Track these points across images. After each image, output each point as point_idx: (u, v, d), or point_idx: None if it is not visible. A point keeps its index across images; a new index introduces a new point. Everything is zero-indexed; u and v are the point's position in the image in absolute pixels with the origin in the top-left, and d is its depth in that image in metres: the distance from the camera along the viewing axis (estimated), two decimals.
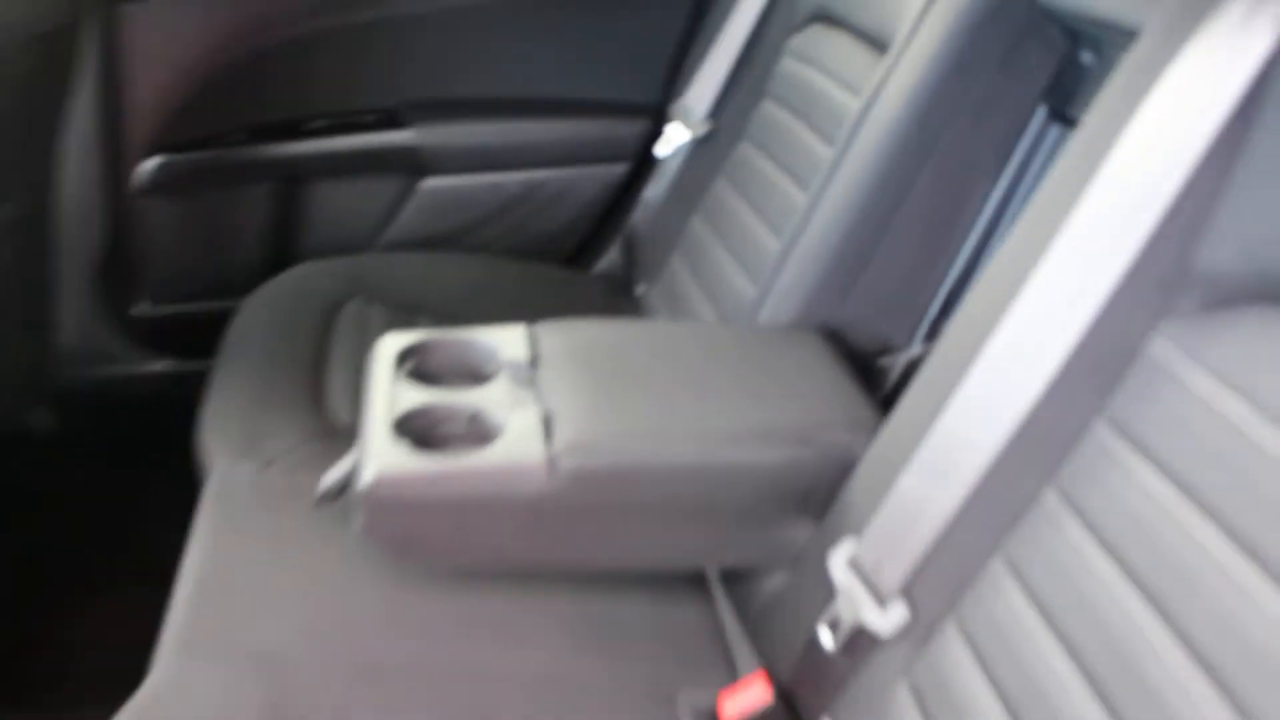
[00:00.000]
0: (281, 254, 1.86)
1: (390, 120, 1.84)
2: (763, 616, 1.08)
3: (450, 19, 1.80)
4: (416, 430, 1.04)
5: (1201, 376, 0.73)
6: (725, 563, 1.11)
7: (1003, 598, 0.83)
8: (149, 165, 1.74)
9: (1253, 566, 0.64)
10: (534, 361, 1.12)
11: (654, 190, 1.78)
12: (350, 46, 1.77)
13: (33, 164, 1.56)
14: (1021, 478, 0.84)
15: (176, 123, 1.72)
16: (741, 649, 1.10)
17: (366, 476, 0.98)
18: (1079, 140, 0.86)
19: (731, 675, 1.08)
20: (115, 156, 1.72)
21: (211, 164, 1.79)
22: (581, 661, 1.06)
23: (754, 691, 1.03)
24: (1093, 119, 0.85)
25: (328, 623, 1.05)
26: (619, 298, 1.78)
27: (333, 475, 1.09)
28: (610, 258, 1.92)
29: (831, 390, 1.08)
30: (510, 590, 1.11)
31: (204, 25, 1.67)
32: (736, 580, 1.13)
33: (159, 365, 1.88)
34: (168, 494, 1.34)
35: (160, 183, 1.75)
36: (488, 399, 1.07)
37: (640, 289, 1.74)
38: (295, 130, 1.82)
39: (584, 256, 1.95)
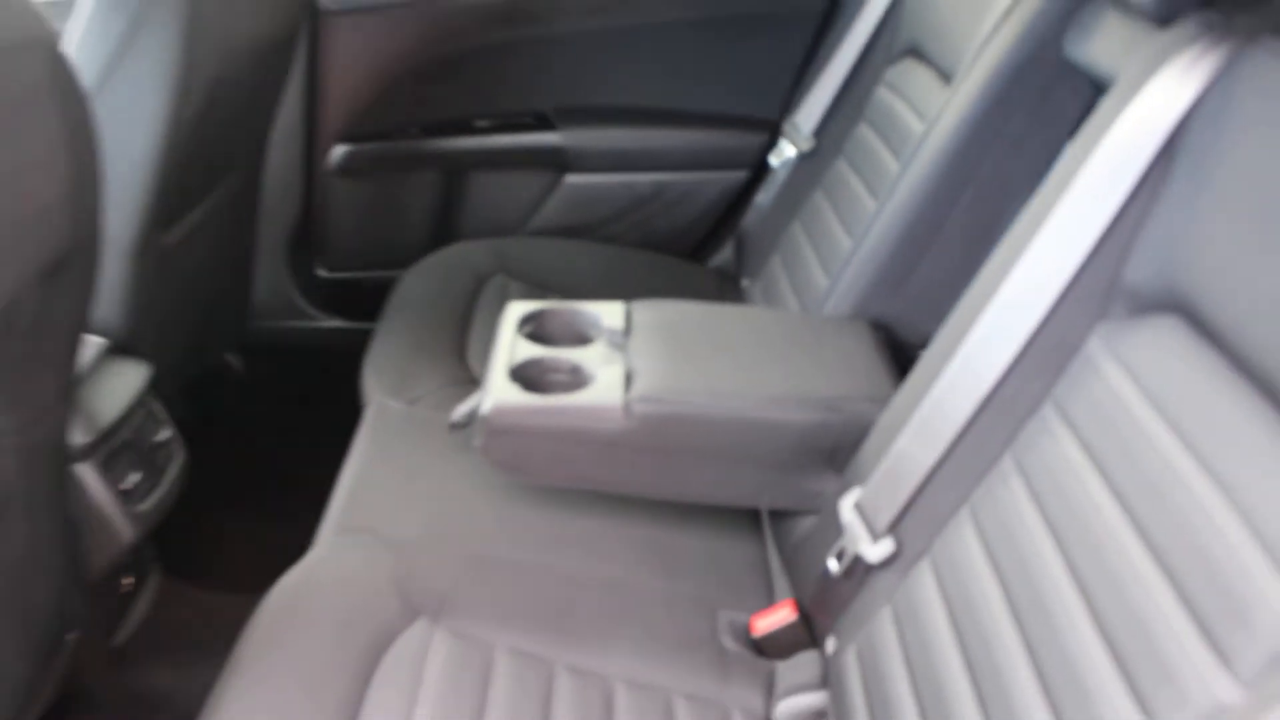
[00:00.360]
0: (441, 233, 2.16)
1: (541, 123, 2.13)
2: (795, 552, 1.31)
3: (598, 38, 2.07)
4: (528, 376, 1.32)
5: (1116, 370, 0.93)
6: (765, 504, 1.35)
7: (963, 541, 1.04)
8: (337, 152, 2.07)
9: (1130, 529, 0.83)
10: (627, 330, 1.39)
11: (764, 196, 2.02)
12: (510, 59, 2.06)
13: (252, 148, 1.90)
14: (985, 444, 1.05)
15: (361, 118, 2.05)
16: (779, 580, 1.34)
17: (486, 407, 1.26)
18: (1054, 173, 1.06)
19: (768, 601, 1.31)
20: (311, 144, 2.05)
21: (388, 154, 2.11)
22: (644, 576, 1.32)
23: (781, 613, 1.26)
24: (1065, 156, 1.06)
25: (447, 522, 1.34)
26: (727, 289, 2.02)
27: (463, 409, 1.37)
28: (724, 254, 2.16)
29: (862, 369, 1.31)
30: (593, 513, 1.37)
31: (387, 39, 1.99)
32: (779, 520, 1.36)
33: (331, 323, 2.21)
34: (330, 425, 1.63)
35: (345, 168, 2.08)
36: (586, 356, 1.34)
37: (745, 283, 1.98)
38: (460, 128, 2.12)
39: (701, 252, 2.20)
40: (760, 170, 2.09)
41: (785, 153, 1.97)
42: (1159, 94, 0.96)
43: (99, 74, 1.31)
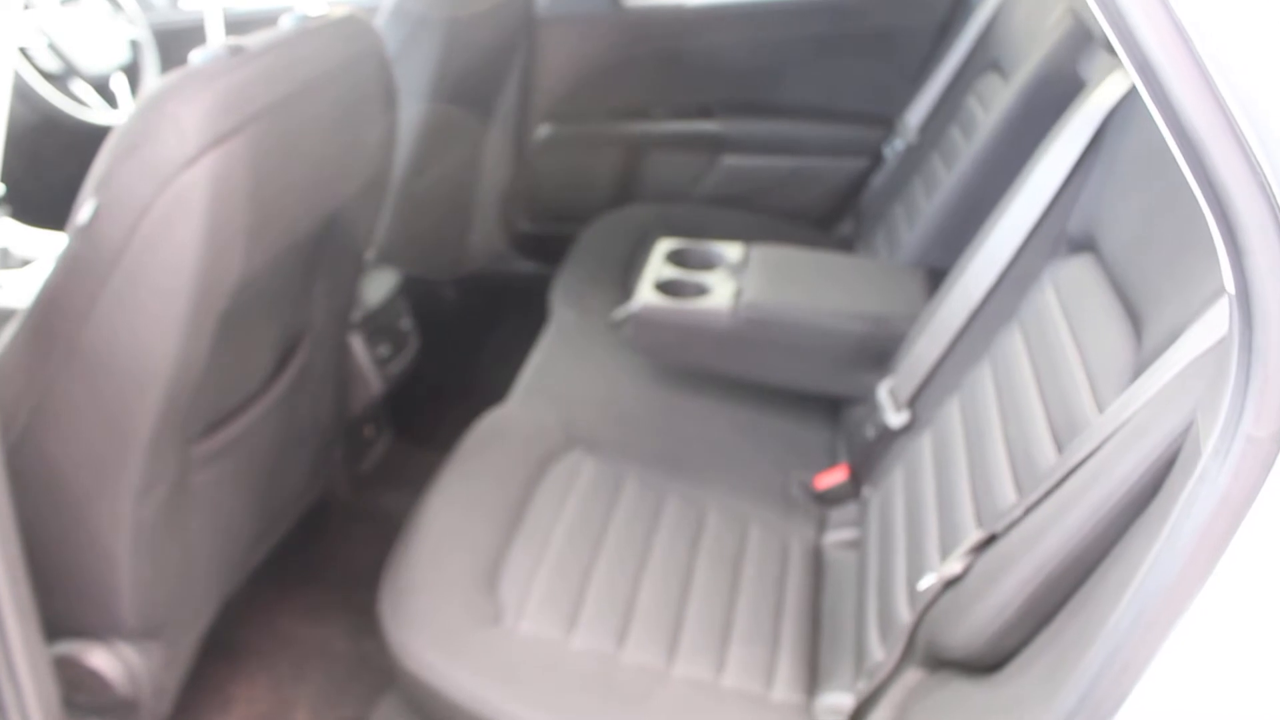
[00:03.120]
0: (619, 198, 2.69)
1: (704, 112, 2.64)
2: (850, 428, 1.79)
3: (754, 46, 2.56)
4: (668, 288, 1.84)
5: (1051, 292, 1.37)
6: (833, 392, 1.83)
7: (950, 414, 1.49)
8: (542, 131, 2.63)
9: (1035, 390, 1.27)
10: (743, 263, 1.89)
11: (878, 180, 2.47)
12: (682, 61, 2.58)
13: (478, 125, 2.48)
14: (973, 345, 1.50)
15: (563, 104, 2.60)
16: (840, 452, 1.81)
17: (635, 306, 1.79)
18: (1035, 154, 1.50)
19: (829, 464, 1.79)
20: (523, 123, 2.62)
21: (582, 133, 2.66)
22: (739, 440, 1.81)
23: (836, 474, 1.74)
24: (1044, 141, 1.49)
25: (602, 392, 1.87)
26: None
27: (621, 310, 1.90)
28: (845, 226, 2.62)
29: (905, 298, 1.78)
30: (706, 392, 1.88)
31: (586, 43, 2.54)
32: (842, 405, 1.84)
33: (529, 266, 2.76)
34: (520, 341, 2.13)
35: (547, 143, 2.64)
36: (711, 278, 1.86)
37: (858, 248, 2.44)
38: (639, 114, 2.65)
39: (827, 223, 2.66)
40: (877, 158, 2.53)
41: (896, 145, 2.42)
42: (1097, 98, 1.39)
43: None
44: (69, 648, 1.32)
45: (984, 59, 2.18)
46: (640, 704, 1.28)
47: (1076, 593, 0.97)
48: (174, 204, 1.11)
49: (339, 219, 1.53)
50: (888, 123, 2.52)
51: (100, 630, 1.33)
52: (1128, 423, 0.96)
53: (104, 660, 1.32)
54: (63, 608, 1.27)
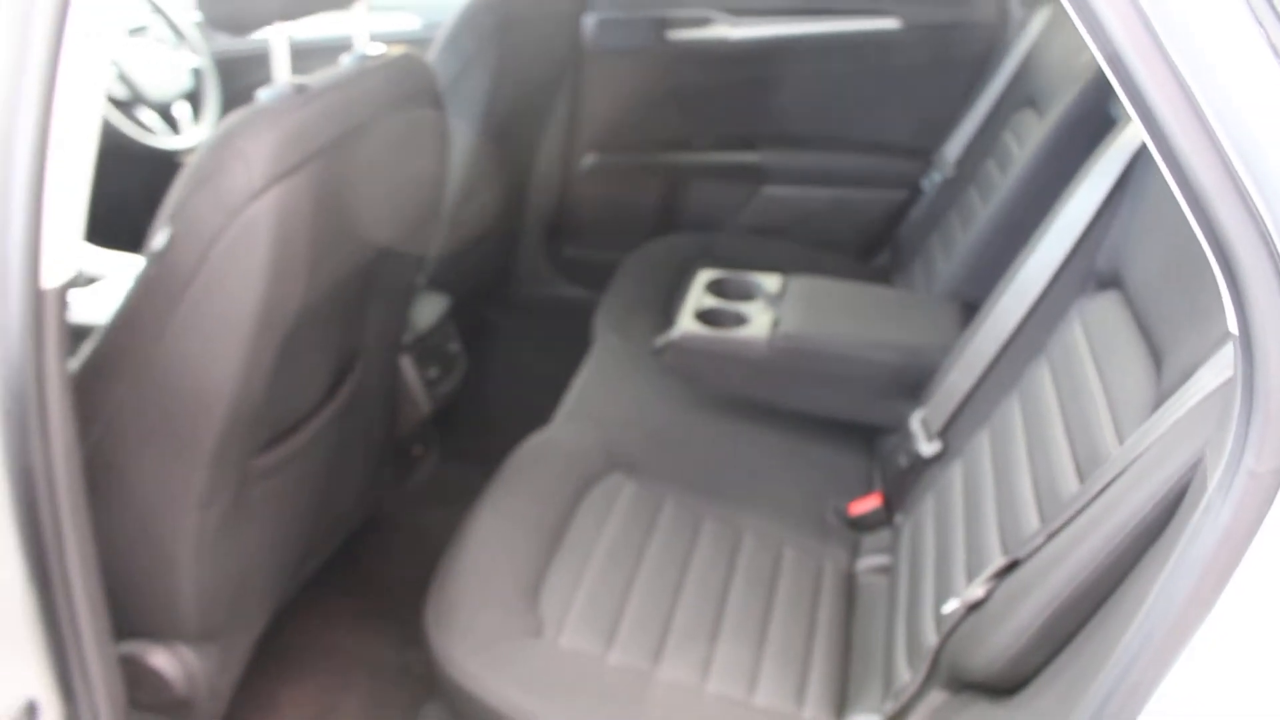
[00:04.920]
0: (661, 226, 2.75)
1: (745, 143, 2.70)
2: (884, 456, 1.83)
3: (795, 79, 2.62)
4: (708, 317, 1.90)
5: (1079, 329, 1.41)
6: (867, 421, 1.87)
7: (978, 444, 1.53)
8: (588, 160, 2.70)
9: (1061, 426, 1.32)
10: (781, 294, 1.94)
11: (916, 212, 2.52)
12: (724, 93, 2.64)
13: (525, 154, 2.55)
14: (1003, 378, 1.54)
15: (608, 133, 2.67)
16: (875, 480, 1.85)
17: (675, 334, 1.84)
18: (1065, 192, 1.54)
19: (864, 492, 1.83)
20: (568, 152, 2.69)
21: (625, 162, 2.73)
22: (774, 466, 1.86)
23: (871, 500, 1.78)
24: (1074, 180, 1.54)
25: (643, 416, 1.92)
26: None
27: (662, 338, 1.95)
28: (883, 257, 2.66)
29: (938, 329, 1.82)
30: (744, 418, 1.93)
31: (631, 75, 2.61)
32: (877, 434, 1.88)
33: (574, 291, 2.83)
34: (565, 364, 2.18)
35: (592, 171, 2.71)
36: (749, 308, 1.91)
37: (895, 280, 2.48)
38: (682, 145, 2.72)
39: (865, 253, 2.71)
40: (916, 191, 2.58)
41: (934, 178, 2.46)
42: (1125, 138, 1.44)
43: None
44: (133, 648, 1.39)
45: (1020, 95, 2.23)
46: (673, 717, 1.33)
47: (1092, 618, 1.01)
48: (242, 234, 1.19)
49: (393, 247, 1.60)
50: (926, 156, 2.56)
51: (162, 632, 1.40)
52: (1142, 456, 1.00)
53: (165, 660, 1.40)
54: (129, 610, 1.34)
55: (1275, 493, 0.81)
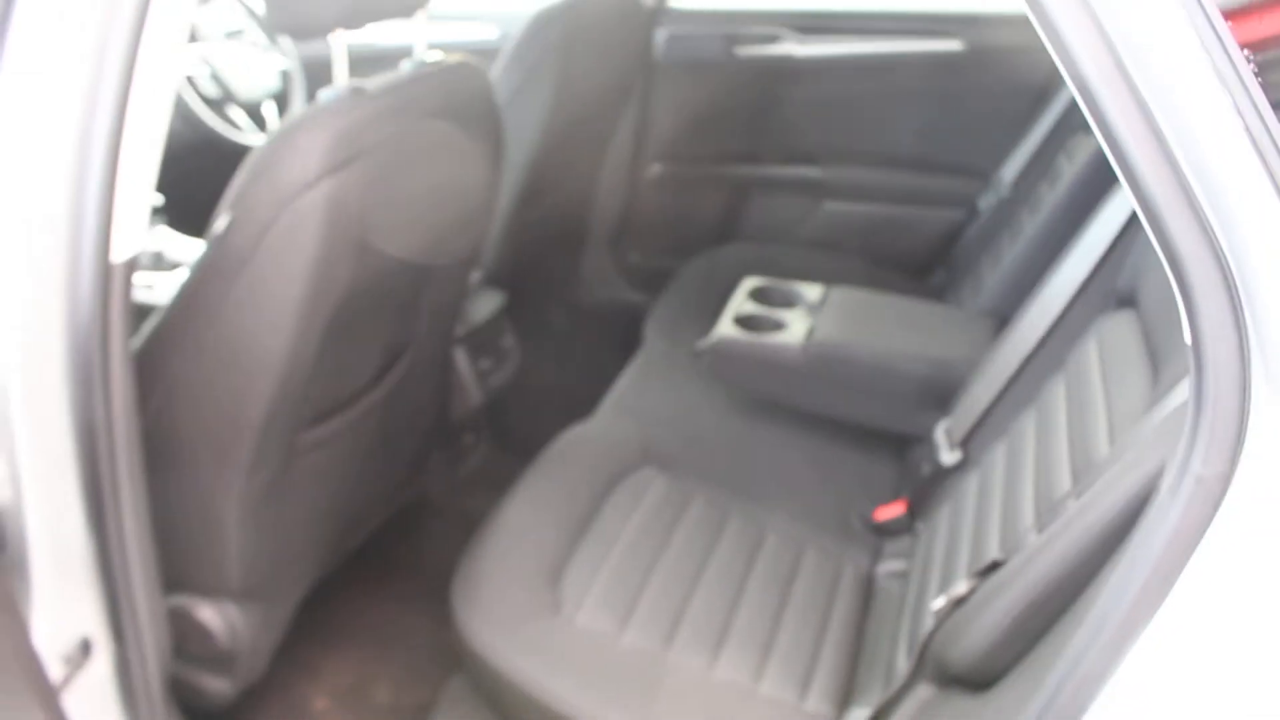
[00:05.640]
0: (722, 237, 2.81)
1: (808, 158, 2.75)
2: (910, 464, 1.87)
3: (858, 97, 2.67)
4: (747, 323, 1.96)
5: (1094, 345, 1.45)
6: (895, 429, 1.92)
7: (994, 455, 1.57)
8: (654, 170, 2.78)
9: (1065, 436, 1.36)
10: (821, 303, 2.00)
11: (972, 231, 2.54)
12: (788, 108, 2.70)
13: (590, 163, 2.64)
14: (1023, 392, 1.58)
15: (673, 145, 2.75)
16: (903, 487, 1.89)
17: (714, 338, 1.91)
18: (1091, 216, 1.58)
19: (889, 499, 1.87)
20: (635, 161, 2.77)
21: (690, 173, 2.80)
22: (804, 469, 1.91)
23: (896, 507, 1.82)
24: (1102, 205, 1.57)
25: (680, 415, 1.99)
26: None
27: (703, 341, 2.02)
28: (939, 275, 2.69)
29: (971, 343, 1.85)
30: (777, 422, 1.99)
31: (700, 89, 2.68)
32: (904, 442, 1.92)
33: (634, 296, 2.90)
34: (619, 365, 2.28)
35: (657, 181, 2.79)
36: (789, 315, 1.97)
37: (948, 298, 2.51)
38: (746, 158, 2.78)
39: (922, 271, 2.73)
40: (973, 210, 2.60)
41: (990, 198, 2.49)
42: None
43: (503, 103, 2.06)
44: (182, 601, 1.50)
45: (1077, 119, 2.24)
46: (678, 698, 1.39)
47: (1061, 617, 1.06)
48: (294, 221, 1.29)
49: (444, 243, 1.69)
50: (984, 176, 2.58)
51: (209, 589, 1.51)
52: (1117, 462, 1.04)
53: (210, 615, 1.50)
54: (179, 566, 1.45)
55: (1221, 496, 0.85)
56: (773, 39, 2.67)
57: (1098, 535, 1.01)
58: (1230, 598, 0.87)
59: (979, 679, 1.15)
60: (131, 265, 1.19)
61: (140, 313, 1.37)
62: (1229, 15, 0.81)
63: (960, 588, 1.20)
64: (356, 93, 1.39)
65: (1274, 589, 0.86)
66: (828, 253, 2.73)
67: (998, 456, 1.55)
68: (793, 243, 2.80)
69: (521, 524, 1.61)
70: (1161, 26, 0.80)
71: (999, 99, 2.57)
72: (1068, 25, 0.81)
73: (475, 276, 2.13)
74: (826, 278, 2.31)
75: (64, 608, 1.26)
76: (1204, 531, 0.86)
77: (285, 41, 2.52)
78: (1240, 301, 0.82)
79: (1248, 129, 0.79)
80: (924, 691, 1.27)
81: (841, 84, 2.67)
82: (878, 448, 1.97)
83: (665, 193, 2.83)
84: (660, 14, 2.66)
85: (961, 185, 2.64)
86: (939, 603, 1.24)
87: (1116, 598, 0.90)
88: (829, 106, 2.70)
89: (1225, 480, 0.84)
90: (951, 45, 2.57)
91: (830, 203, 2.76)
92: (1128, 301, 1.43)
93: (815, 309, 2.01)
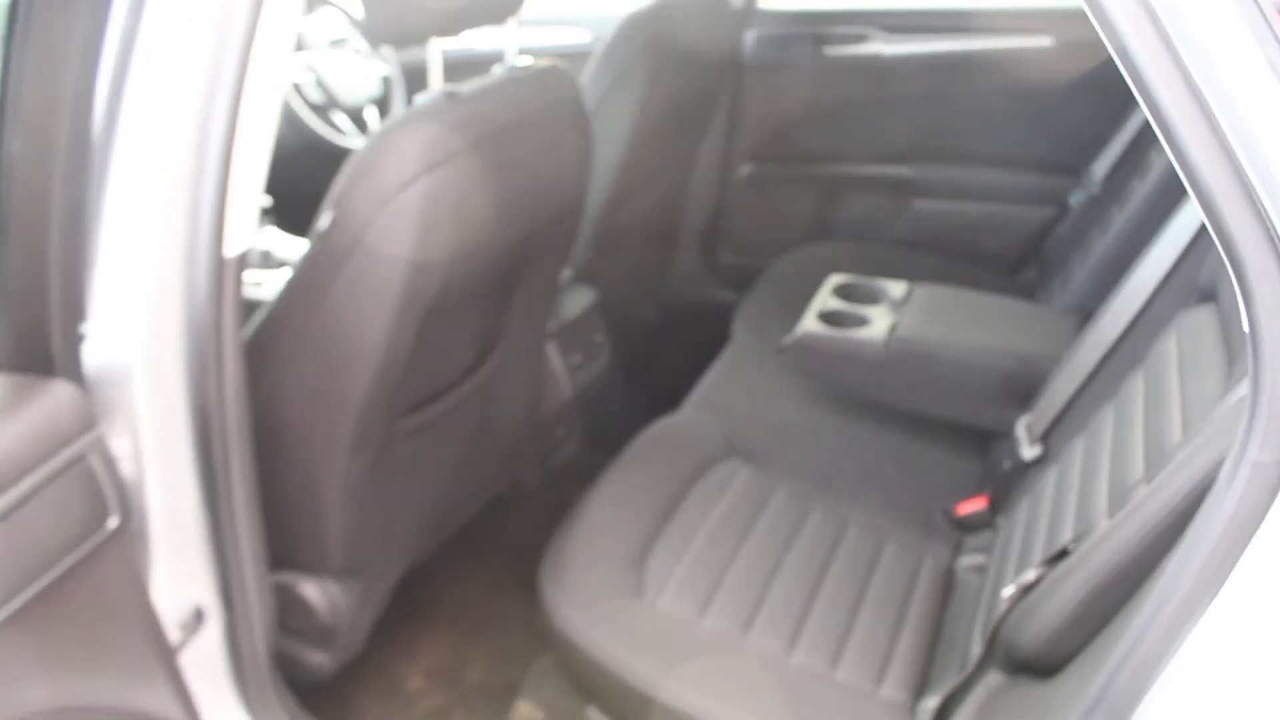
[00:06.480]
0: (813, 236, 2.83)
1: (898, 157, 2.76)
2: (992, 459, 1.88)
3: (948, 95, 2.67)
4: (831, 319, 1.99)
5: (1173, 338, 1.45)
6: (977, 425, 1.93)
7: (1073, 450, 1.57)
8: (743, 169, 2.82)
9: (1141, 429, 1.36)
10: (905, 300, 2.02)
11: (1062, 228, 2.53)
12: (877, 107, 2.71)
13: (680, 164, 2.69)
14: (1103, 387, 1.58)
15: (763, 144, 2.79)
16: (986, 482, 1.90)
17: (798, 333, 1.95)
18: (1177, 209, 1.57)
19: (972, 494, 1.88)
20: (726, 162, 2.82)
21: (781, 173, 2.83)
22: (887, 464, 1.93)
23: (978, 502, 1.83)
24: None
25: (765, 409, 2.03)
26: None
27: (788, 337, 2.06)
28: (1030, 272, 2.68)
29: (1054, 339, 1.85)
30: (861, 417, 2.01)
31: (789, 89, 2.72)
32: (988, 437, 1.93)
33: (724, 294, 2.94)
34: (708, 361, 2.33)
35: (747, 181, 2.83)
36: (873, 311, 2.00)
37: (1039, 295, 2.50)
38: (836, 157, 2.80)
39: (1013, 268, 2.72)
40: (1064, 207, 2.58)
41: (1081, 195, 2.47)
42: None
43: (593, 106, 2.12)
44: (287, 577, 1.60)
45: None
46: (755, 680, 1.44)
47: (1125, 604, 1.07)
48: (392, 219, 1.37)
49: (536, 242, 1.76)
50: (1075, 173, 2.56)
51: (312, 566, 1.60)
52: (1184, 451, 1.05)
53: (313, 591, 1.60)
54: (285, 544, 1.54)
55: (1278, 483, 0.86)
56: (861, 38, 2.69)
57: (1162, 521, 1.02)
58: None
59: (1046, 665, 1.17)
60: (242, 260, 1.29)
61: (249, 308, 1.47)
62: None
63: (1029, 575, 1.22)
64: (451, 96, 1.46)
65: None
66: (917, 251, 2.73)
67: (1076, 451, 1.55)
68: (882, 242, 2.80)
69: (608, 512, 1.67)
70: (1215, 18, 0.82)
71: (1090, 94, 2.54)
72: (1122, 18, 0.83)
73: (566, 274, 2.20)
74: (914, 275, 2.32)
75: (180, 578, 1.36)
76: (1262, 518, 0.87)
77: (386, 49, 2.63)
78: None
79: None
80: (993, 679, 1.30)
81: (931, 82, 2.68)
82: (960, 443, 1.98)
83: (755, 193, 2.87)
84: (749, 15, 2.70)
85: (1052, 182, 2.62)
86: (1009, 590, 1.26)
87: (1174, 583, 0.92)
88: (918, 105, 2.71)
89: None
90: (1041, 41, 2.56)
91: (920, 201, 2.76)
92: (1209, 296, 1.43)
93: (899, 305, 2.03)
